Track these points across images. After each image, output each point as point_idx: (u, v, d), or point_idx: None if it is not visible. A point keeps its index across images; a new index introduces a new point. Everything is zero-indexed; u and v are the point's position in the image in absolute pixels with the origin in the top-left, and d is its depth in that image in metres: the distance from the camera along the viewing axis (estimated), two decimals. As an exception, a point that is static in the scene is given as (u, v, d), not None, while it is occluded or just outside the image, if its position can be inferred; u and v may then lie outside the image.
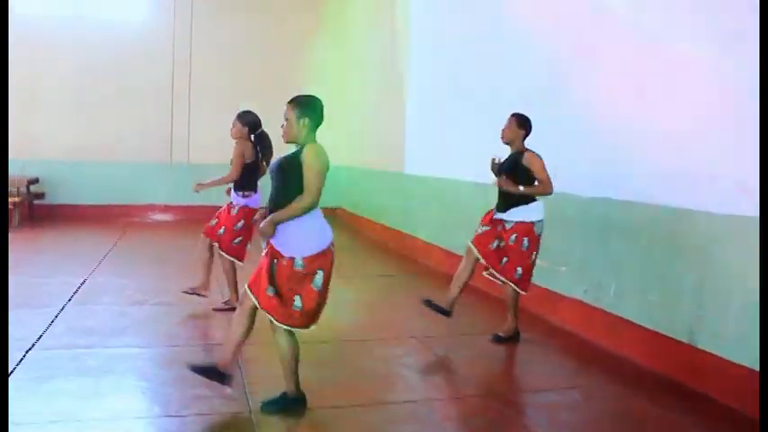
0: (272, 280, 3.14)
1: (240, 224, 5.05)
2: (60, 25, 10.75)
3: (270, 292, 3.13)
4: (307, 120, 3.20)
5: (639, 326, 4.38)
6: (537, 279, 5.18)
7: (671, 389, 3.89)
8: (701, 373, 3.84)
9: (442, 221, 7.57)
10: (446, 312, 4.73)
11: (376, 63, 10.22)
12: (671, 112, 4.17)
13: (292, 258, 3.12)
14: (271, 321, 3.19)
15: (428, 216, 7.98)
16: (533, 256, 4.64)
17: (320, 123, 3.29)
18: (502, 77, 6.32)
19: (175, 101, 11.34)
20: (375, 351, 4.51)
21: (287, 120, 3.22)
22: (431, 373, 4.03)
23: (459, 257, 6.90)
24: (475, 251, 4.70)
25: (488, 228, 4.68)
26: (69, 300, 5.42)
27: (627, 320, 4.51)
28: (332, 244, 3.23)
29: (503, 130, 4.66)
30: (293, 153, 3.21)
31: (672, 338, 4.09)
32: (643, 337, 4.34)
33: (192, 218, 10.74)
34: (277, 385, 3.36)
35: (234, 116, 5.19)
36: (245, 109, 5.26)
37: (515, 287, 4.65)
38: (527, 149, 4.58)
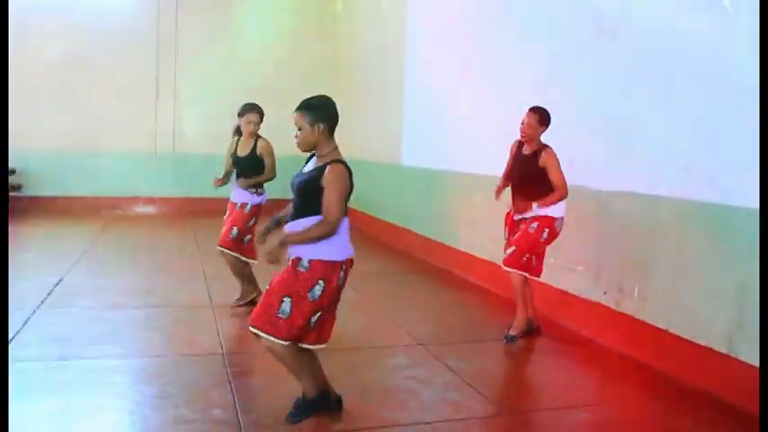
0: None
1: (252, 222, 4.96)
2: (41, 13, 10.13)
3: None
4: (321, 124, 2.86)
5: (668, 332, 4.01)
6: (549, 279, 4.83)
7: (711, 406, 3.51)
8: (743, 389, 3.46)
9: (441, 215, 7.18)
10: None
11: (371, 50, 9.75)
12: (704, 97, 3.79)
13: (299, 258, 2.82)
14: (256, 335, 2.84)
15: (427, 210, 7.57)
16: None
17: (336, 123, 2.94)
18: (512, 63, 5.90)
19: (160, 90, 10.79)
20: (380, 361, 4.09)
21: (300, 129, 2.87)
22: (444, 388, 3.61)
23: (459, 252, 6.62)
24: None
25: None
26: (41, 303, 4.94)
27: (654, 326, 4.13)
28: (347, 263, 2.92)
29: (522, 128, 4.40)
30: (315, 171, 2.88)
31: (708, 348, 3.72)
32: (673, 346, 3.96)
33: (178, 210, 10.28)
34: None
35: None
36: (250, 101, 5.03)
37: (525, 273, 4.40)
38: (544, 146, 4.37)
